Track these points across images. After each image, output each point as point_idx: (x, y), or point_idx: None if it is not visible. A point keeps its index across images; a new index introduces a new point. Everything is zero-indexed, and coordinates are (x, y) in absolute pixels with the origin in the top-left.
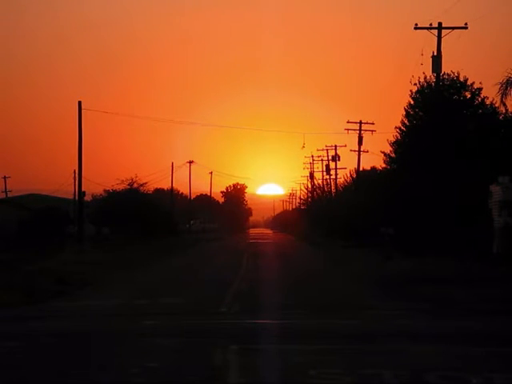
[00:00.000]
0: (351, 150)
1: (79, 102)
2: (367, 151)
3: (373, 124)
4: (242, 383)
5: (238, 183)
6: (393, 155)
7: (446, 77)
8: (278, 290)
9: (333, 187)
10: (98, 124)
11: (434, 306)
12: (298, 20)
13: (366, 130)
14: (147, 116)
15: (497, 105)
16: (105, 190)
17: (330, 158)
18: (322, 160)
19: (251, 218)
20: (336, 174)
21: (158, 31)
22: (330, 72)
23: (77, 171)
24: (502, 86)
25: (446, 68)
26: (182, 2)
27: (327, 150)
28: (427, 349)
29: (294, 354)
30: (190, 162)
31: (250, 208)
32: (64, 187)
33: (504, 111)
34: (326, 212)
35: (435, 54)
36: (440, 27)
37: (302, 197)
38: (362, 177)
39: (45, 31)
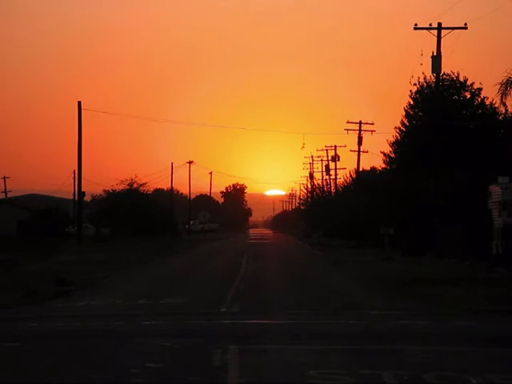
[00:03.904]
0: (351, 150)
1: (79, 102)
2: (367, 151)
3: (372, 124)
4: (241, 383)
5: (237, 183)
6: (392, 155)
7: (445, 77)
8: (277, 290)
9: (332, 187)
10: (98, 124)
11: (433, 306)
12: (298, 21)
13: (365, 130)
14: (147, 116)
15: (497, 105)
16: (104, 191)
17: (329, 158)
18: (321, 160)
19: (251, 218)
20: (336, 174)
21: (157, 31)
22: (329, 72)
23: (76, 171)
24: (501, 86)
25: (446, 68)
26: (181, 3)
27: (327, 150)
28: (427, 349)
29: (295, 354)
30: (190, 162)
31: (249, 208)
32: (64, 187)
33: (504, 111)
34: (326, 212)
35: (435, 54)
36: (440, 27)
37: (301, 197)
38: (362, 177)
39: (45, 32)
